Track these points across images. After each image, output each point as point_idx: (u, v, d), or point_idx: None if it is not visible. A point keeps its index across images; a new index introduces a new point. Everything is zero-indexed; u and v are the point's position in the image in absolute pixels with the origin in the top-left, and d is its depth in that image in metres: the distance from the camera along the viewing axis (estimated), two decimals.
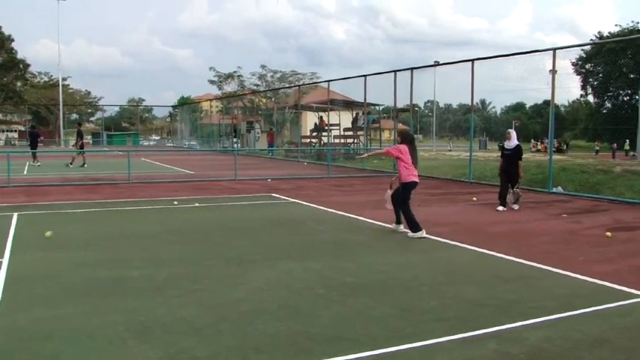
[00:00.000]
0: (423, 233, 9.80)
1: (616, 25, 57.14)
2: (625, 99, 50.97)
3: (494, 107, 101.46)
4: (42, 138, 47.08)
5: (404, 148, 10.20)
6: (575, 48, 18.45)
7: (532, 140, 55.31)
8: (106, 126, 75.29)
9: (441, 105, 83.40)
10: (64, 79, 71.24)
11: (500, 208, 13.23)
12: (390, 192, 10.60)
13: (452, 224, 11.30)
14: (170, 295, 6.29)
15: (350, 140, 35.63)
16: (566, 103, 66.62)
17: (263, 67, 53.54)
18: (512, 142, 13.50)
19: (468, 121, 22.04)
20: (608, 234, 10.15)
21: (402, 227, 10.35)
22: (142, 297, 6.24)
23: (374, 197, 15.75)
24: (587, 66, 53.74)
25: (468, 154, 21.65)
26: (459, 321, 5.52)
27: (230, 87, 55.96)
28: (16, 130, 74.57)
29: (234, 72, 54.91)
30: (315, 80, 49.16)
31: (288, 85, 50.57)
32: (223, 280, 7.00)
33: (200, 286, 6.67)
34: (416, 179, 10.22)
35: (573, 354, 4.81)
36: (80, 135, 28.23)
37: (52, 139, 66.39)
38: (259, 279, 7.02)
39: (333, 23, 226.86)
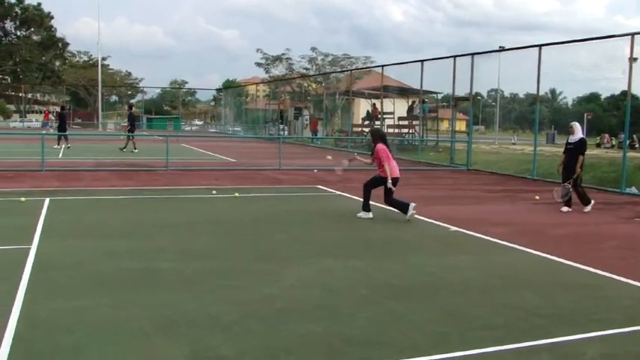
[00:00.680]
0: (413, 207, 11.03)
1: None
2: None
3: (565, 98, 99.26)
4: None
5: (384, 148, 11.44)
6: None
7: (606, 135, 53.84)
8: (147, 109, 76.79)
9: (506, 94, 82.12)
10: (103, 59, 72.98)
11: (565, 209, 12.94)
12: (346, 163, 12.24)
13: (510, 224, 11.11)
14: (199, 290, 6.36)
15: (405, 130, 35.39)
16: None
17: (313, 49, 53.45)
18: (577, 135, 13.21)
19: (534, 112, 21.62)
20: None
21: (371, 214, 11.31)
22: (169, 291, 6.33)
23: (429, 192, 15.66)
24: None
25: (533, 148, 21.24)
26: (509, 330, 5.42)
27: (278, 70, 56.12)
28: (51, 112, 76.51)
29: (283, 54, 54.99)
30: (368, 65, 48.90)
31: (339, 70, 50.49)
32: (257, 275, 7.04)
33: (231, 282, 6.73)
34: (398, 175, 11.49)
35: None
36: (131, 118, 28.82)
37: (90, 121, 68.07)
38: (295, 276, 7.04)
39: (390, 3, 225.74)
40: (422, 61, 26.84)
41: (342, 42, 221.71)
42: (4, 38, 69.00)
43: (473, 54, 22.95)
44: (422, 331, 5.34)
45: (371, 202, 11.50)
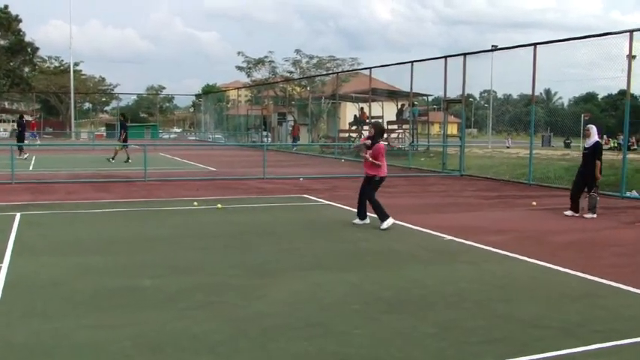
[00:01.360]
0: (391, 220, 11.15)
1: None
2: None
3: (560, 98, 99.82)
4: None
5: (382, 146, 11.53)
6: None
7: (604, 136, 54.24)
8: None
9: (499, 95, 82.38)
10: (76, 65, 72.72)
11: (569, 212, 13.03)
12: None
13: (507, 232, 11.18)
14: (184, 308, 6.35)
15: (394, 135, 35.51)
16: None
17: (297, 51, 53.62)
18: (592, 139, 13.26)
19: (529, 114, 21.69)
20: None
21: (368, 220, 11.61)
22: (153, 310, 6.32)
23: (420, 200, 15.73)
24: None
25: (528, 151, 21.38)
26: (509, 343, 5.46)
27: (260, 74, 56.19)
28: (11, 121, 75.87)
29: (265, 57, 55.10)
30: (355, 67, 49.06)
31: (325, 73, 50.64)
32: (245, 291, 7.04)
33: (218, 299, 6.73)
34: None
35: None
36: (124, 127, 28.76)
37: (62, 130, 67.71)
38: (286, 291, 7.05)
39: (376, 2, 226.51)
40: (412, 62, 26.96)
41: (327, 44, 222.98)
42: None
43: (465, 54, 23.11)
44: (418, 347, 5.36)
45: (355, 210, 11.65)
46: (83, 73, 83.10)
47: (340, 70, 48.11)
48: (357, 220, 11.72)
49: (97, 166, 25.38)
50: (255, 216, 13.06)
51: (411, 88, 28.08)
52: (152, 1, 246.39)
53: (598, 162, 13.08)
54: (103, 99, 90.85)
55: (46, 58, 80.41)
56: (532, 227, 11.79)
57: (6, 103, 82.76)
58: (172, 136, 75.81)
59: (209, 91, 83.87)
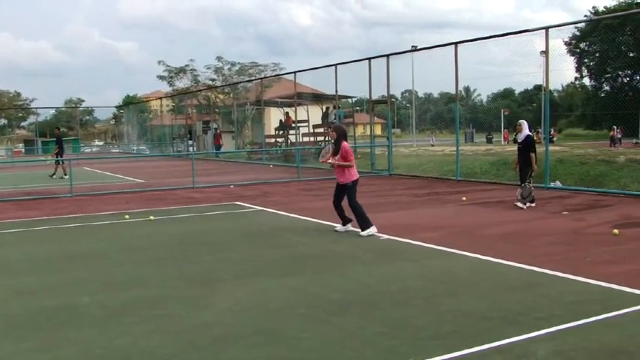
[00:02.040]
0: (374, 229, 10.68)
1: None
2: (625, 80, 51.82)
3: (479, 95, 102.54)
4: None
5: (348, 147, 11.12)
6: (569, 26, 18.59)
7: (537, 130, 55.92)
8: (41, 132, 74.08)
9: (420, 95, 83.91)
10: None
11: (528, 205, 13.39)
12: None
13: (442, 228, 11.37)
14: (129, 323, 6.20)
15: (321, 138, 35.66)
16: (560, 88, 67.62)
17: (219, 59, 53.22)
18: (523, 133, 13.77)
19: (451, 112, 22.11)
20: (615, 231, 10.31)
21: (350, 226, 11.12)
22: (96, 327, 6.13)
23: None
24: (582, 45, 54.55)
25: (453, 148, 21.82)
26: (458, 336, 5.54)
27: (182, 83, 55.53)
28: None
29: (187, 66, 54.52)
30: (278, 72, 49.05)
31: (248, 79, 50.43)
32: (188, 302, 6.93)
33: (162, 311, 6.60)
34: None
35: None
36: (59, 142, 27.83)
37: None
38: (230, 300, 6.97)
39: (295, 7, 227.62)
40: (335, 65, 27.13)
41: (248, 50, 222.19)
42: None
43: (388, 55, 23.39)
44: (370, 346, 5.38)
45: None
46: None
47: (263, 75, 48.03)
48: (339, 227, 11.22)
49: (15, 183, 24.54)
50: (189, 226, 12.88)
51: (336, 91, 28.25)
52: (66, 12, 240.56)
53: (532, 154, 13.54)
54: (20, 114, 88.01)
55: None
56: (465, 222, 12.02)
57: None
58: (95, 149, 74.05)
59: (130, 102, 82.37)
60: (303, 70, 30.87)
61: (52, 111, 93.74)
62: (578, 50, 54.61)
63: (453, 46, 20.00)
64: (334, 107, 32.32)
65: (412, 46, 29.25)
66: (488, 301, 6.60)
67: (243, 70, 53.19)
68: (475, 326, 5.81)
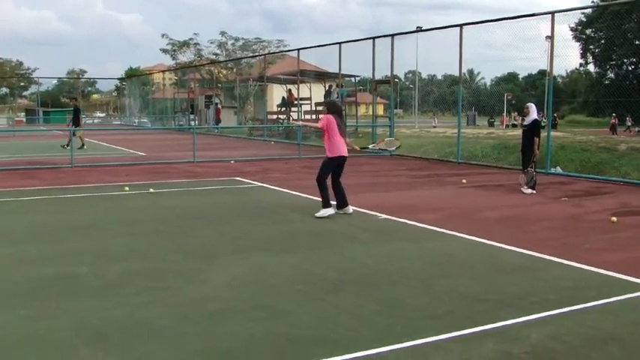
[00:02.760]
0: (330, 211, 10.46)
1: None
2: (629, 68, 51.57)
3: (483, 78, 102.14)
4: None
5: (330, 118, 10.73)
6: (575, 12, 18.51)
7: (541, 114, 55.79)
8: (42, 101, 74.03)
9: (424, 76, 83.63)
10: None
11: (529, 191, 13.24)
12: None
13: (441, 210, 11.37)
14: (126, 294, 6.23)
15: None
16: (564, 74, 67.36)
17: (223, 33, 52.97)
18: (531, 116, 13.64)
19: (454, 94, 22.04)
20: (614, 219, 10.30)
21: (351, 209, 10.84)
22: (94, 297, 6.16)
23: (353, 180, 15.76)
24: (588, 31, 54.21)
25: (455, 130, 21.77)
26: (453, 318, 5.57)
27: (185, 57, 55.31)
28: None
29: (190, 39, 54.25)
30: (282, 49, 48.86)
31: (251, 55, 50.22)
32: (186, 276, 6.95)
33: (160, 284, 6.62)
34: (344, 154, 10.77)
35: (580, 352, 4.88)
36: (76, 112, 27.71)
37: None
38: (228, 274, 6.99)
39: None
40: (339, 43, 26.98)
41: (253, 26, 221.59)
42: None
43: (392, 35, 23.25)
44: (366, 325, 5.40)
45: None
46: None
47: (267, 51, 47.83)
48: (341, 210, 10.84)
49: (16, 153, 24.53)
50: (189, 200, 12.89)
51: (340, 70, 28.15)
52: None
53: (536, 139, 13.46)
54: (22, 84, 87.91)
55: None
56: (464, 204, 12.02)
57: None
58: (96, 121, 73.93)
59: (133, 75, 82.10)
60: (307, 48, 30.74)
61: (54, 81, 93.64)
62: (583, 36, 54.27)
63: (458, 28, 19.89)
64: (337, 86, 32.20)
65: (417, 27, 29.16)
66: (485, 284, 6.63)
67: (246, 46, 53.00)
68: (470, 308, 5.83)
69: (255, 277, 6.94)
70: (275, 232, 9.43)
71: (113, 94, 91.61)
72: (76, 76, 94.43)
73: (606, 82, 54.40)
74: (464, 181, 15.36)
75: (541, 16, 17.58)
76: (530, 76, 79.74)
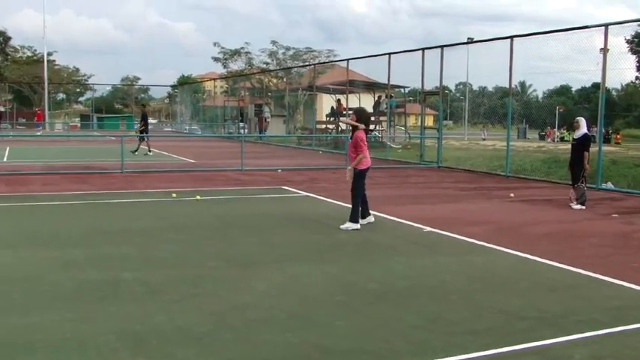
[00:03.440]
0: (356, 226, 10.35)
1: None
2: None
3: (535, 91, 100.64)
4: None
5: (363, 134, 10.59)
6: (632, 23, 18.11)
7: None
8: (97, 107, 75.61)
9: (475, 88, 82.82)
10: (49, 54, 71.77)
11: (578, 206, 12.99)
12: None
13: (486, 224, 11.24)
14: (167, 300, 6.31)
15: (371, 127, 35.49)
16: (619, 87, 66.00)
17: (274, 43, 53.36)
18: (581, 130, 13.42)
19: (504, 107, 21.82)
20: None
21: (372, 218, 10.85)
22: (136, 302, 6.26)
23: (398, 192, 15.76)
24: None
25: (504, 143, 21.53)
26: (493, 334, 5.49)
27: (236, 65, 55.88)
28: None
29: (242, 48, 54.78)
30: (332, 58, 48.99)
31: (301, 64, 50.49)
32: (227, 283, 7.01)
33: (201, 290, 6.69)
34: (370, 164, 10.80)
35: None
36: (144, 118, 28.40)
37: (37, 121, 66.76)
38: (268, 283, 7.03)
39: None
40: (389, 54, 26.97)
41: (304, 36, 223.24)
42: None
43: (442, 46, 23.15)
44: (403, 338, 5.37)
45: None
46: (57, 63, 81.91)
47: (317, 61, 48.01)
48: (361, 220, 10.66)
49: (70, 157, 25.07)
50: (234, 207, 13.01)
51: (389, 80, 28.13)
52: None
53: (586, 153, 13.21)
54: (77, 90, 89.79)
55: (19, 48, 79.35)
56: (510, 219, 11.87)
57: None
58: (149, 127, 75.09)
59: (184, 82, 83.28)
60: (357, 58, 30.81)
61: (109, 87, 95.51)
62: None
63: (509, 40, 19.68)
64: (386, 96, 32.16)
65: (468, 39, 28.90)
66: (527, 301, 6.51)
67: (297, 55, 53.26)
68: (511, 325, 5.74)
69: (295, 286, 6.96)
70: (318, 242, 9.45)
71: (165, 101, 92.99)
72: (129, 82, 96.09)
73: None
74: (512, 195, 15.16)
75: (595, 28, 17.29)
76: (583, 89, 78.22)
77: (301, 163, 23.86)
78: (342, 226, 10.39)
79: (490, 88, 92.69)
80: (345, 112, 34.57)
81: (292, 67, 50.58)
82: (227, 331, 5.47)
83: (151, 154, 26.62)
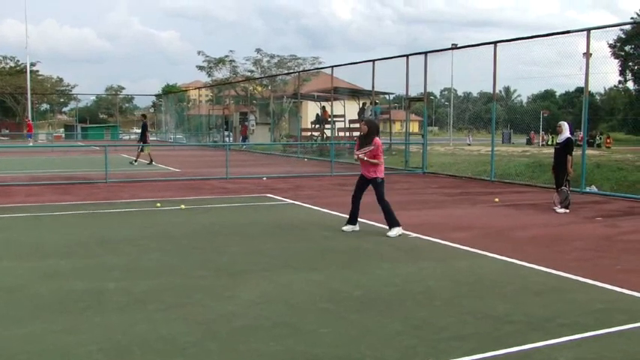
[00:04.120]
0: (400, 229, 10.49)
1: None
2: None
3: (519, 96, 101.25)
4: None
5: (380, 143, 10.75)
6: (613, 28, 18.28)
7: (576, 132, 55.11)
8: (81, 117, 75.38)
9: (459, 93, 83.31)
10: (32, 65, 71.40)
11: (562, 210, 13.09)
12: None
13: (471, 229, 11.27)
14: (152, 310, 6.27)
15: (356, 133, 35.54)
16: (602, 91, 66.46)
17: (258, 50, 53.48)
18: (563, 135, 13.52)
19: (489, 112, 21.96)
20: None
21: (357, 227, 10.91)
22: (119, 312, 6.22)
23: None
24: (627, 48, 53.51)
25: (489, 148, 21.62)
26: (479, 339, 5.50)
27: (221, 73, 55.98)
28: None
29: (226, 57, 54.90)
30: (317, 66, 49.11)
31: (286, 72, 50.54)
32: (213, 292, 6.98)
33: (186, 300, 6.66)
34: None
35: None
36: (145, 128, 28.35)
37: (19, 131, 66.45)
38: (254, 292, 7.00)
39: (337, 1, 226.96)
40: (373, 60, 27.06)
41: (288, 43, 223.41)
42: None
43: (426, 52, 23.24)
44: (389, 345, 5.36)
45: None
46: (40, 73, 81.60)
47: (302, 69, 48.08)
48: (348, 227, 10.86)
49: (54, 168, 24.93)
50: (220, 216, 12.97)
51: (373, 87, 28.21)
52: (109, 0, 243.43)
53: (569, 157, 13.31)
54: (61, 100, 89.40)
55: (1, 59, 78.90)
56: (496, 223, 11.91)
57: None
58: (133, 136, 74.83)
59: (169, 91, 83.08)
60: (341, 65, 30.83)
61: (93, 97, 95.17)
62: (622, 53, 53.58)
63: (492, 45, 19.79)
64: (371, 103, 32.22)
65: (452, 44, 29.02)
66: (513, 305, 6.53)
67: (281, 63, 53.37)
68: (497, 329, 5.75)
69: (282, 294, 6.94)
70: (304, 250, 9.43)
71: (150, 110, 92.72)
72: (113, 92, 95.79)
73: None
74: (496, 199, 15.22)
75: (577, 33, 17.41)
76: (567, 93, 78.78)
77: (286, 170, 23.85)
78: (390, 234, 10.40)
79: (475, 94, 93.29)
80: (330, 119, 34.65)
81: (277, 75, 50.63)
82: (212, 340, 5.44)
83: (136, 164, 26.56)
